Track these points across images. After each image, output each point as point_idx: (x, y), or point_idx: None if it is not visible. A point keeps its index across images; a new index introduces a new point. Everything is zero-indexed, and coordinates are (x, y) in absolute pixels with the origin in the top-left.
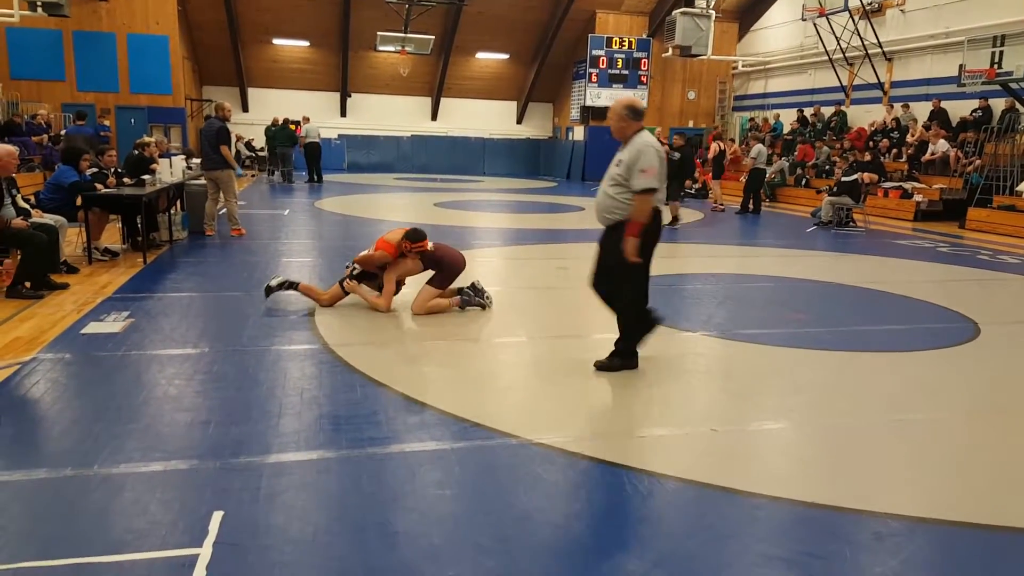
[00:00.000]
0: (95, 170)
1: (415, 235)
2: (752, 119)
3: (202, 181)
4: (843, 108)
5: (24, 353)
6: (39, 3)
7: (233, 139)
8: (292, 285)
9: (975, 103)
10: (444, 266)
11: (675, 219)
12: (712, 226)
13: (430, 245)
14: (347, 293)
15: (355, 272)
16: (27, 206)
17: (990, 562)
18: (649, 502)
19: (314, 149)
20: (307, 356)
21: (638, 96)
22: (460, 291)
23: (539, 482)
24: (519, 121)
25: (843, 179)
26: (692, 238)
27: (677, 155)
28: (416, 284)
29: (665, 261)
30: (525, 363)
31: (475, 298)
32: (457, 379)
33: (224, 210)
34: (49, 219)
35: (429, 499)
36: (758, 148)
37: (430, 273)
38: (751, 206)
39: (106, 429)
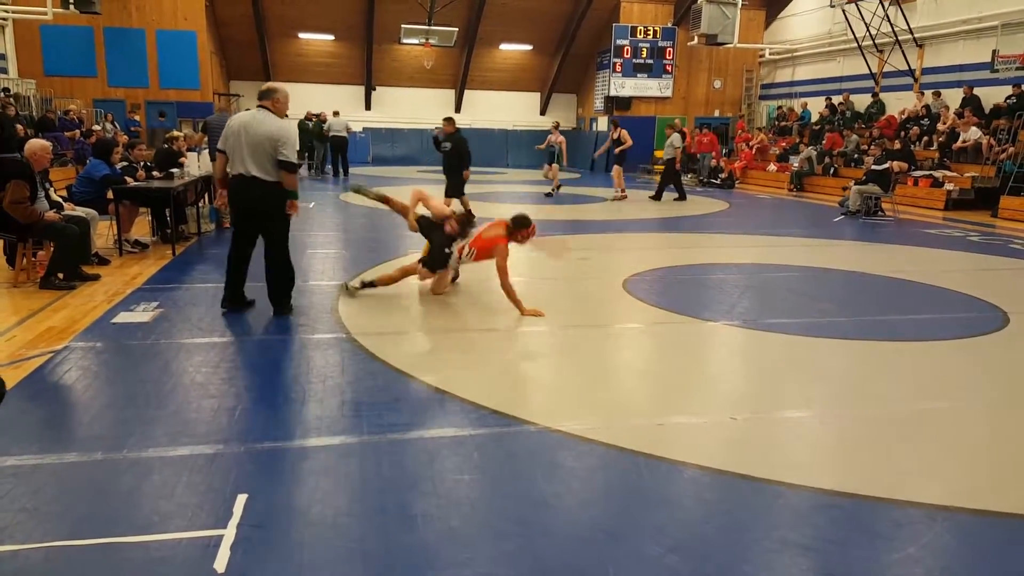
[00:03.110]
0: (125, 164)
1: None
2: (780, 107)
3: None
4: (879, 97)
5: (57, 342)
6: (71, 0)
7: None
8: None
9: (1008, 89)
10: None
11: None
12: (736, 216)
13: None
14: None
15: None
16: (60, 199)
17: (1009, 549)
18: (667, 489)
19: (341, 143)
20: (331, 345)
21: (662, 85)
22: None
23: (557, 468)
24: (543, 112)
25: (874, 167)
26: (717, 228)
27: (448, 145)
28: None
29: (688, 250)
30: (545, 352)
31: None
32: (477, 367)
33: None
34: (81, 212)
35: (448, 484)
36: (675, 137)
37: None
38: (664, 193)
39: (135, 415)
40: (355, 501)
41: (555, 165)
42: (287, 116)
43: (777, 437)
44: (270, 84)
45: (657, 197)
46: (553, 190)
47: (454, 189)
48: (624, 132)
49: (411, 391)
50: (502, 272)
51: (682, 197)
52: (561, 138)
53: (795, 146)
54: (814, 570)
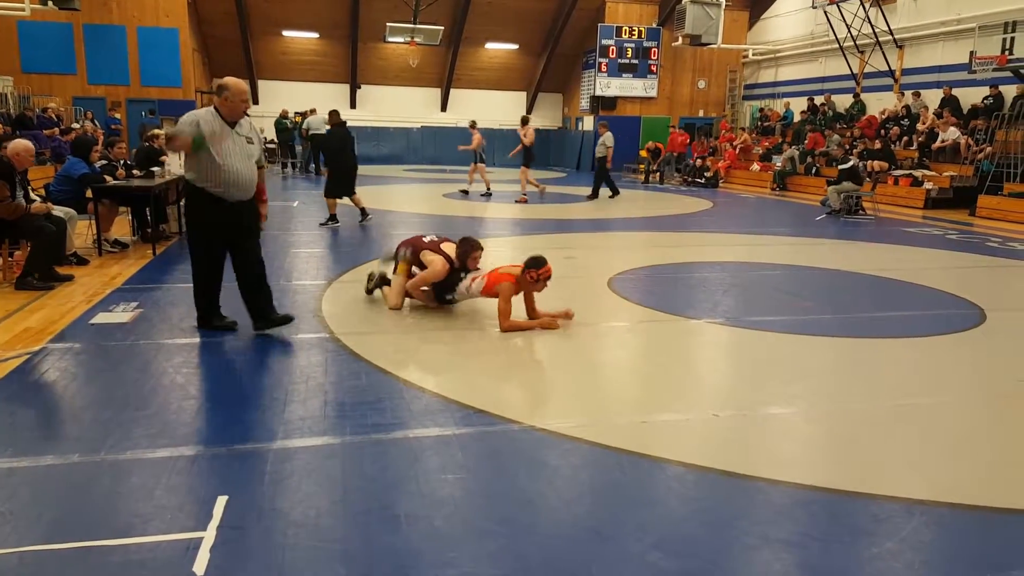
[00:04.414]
0: (105, 162)
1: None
2: (762, 108)
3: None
4: (861, 99)
5: (34, 343)
6: None
7: None
8: (385, 281)
9: (986, 90)
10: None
11: (332, 217)
12: (720, 215)
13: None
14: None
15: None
16: (37, 199)
17: (985, 542)
18: (650, 486)
19: (320, 141)
20: (313, 345)
21: (647, 85)
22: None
23: (541, 467)
24: (529, 112)
25: (840, 167)
26: (702, 226)
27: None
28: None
29: (673, 249)
30: (529, 351)
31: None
32: (462, 366)
33: None
34: (59, 211)
35: (432, 483)
36: (607, 136)
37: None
38: (599, 191)
39: (114, 416)
40: (337, 502)
41: (481, 164)
42: (247, 114)
43: (759, 434)
44: (221, 80)
45: (595, 194)
46: (484, 190)
47: (331, 188)
48: (530, 131)
49: (395, 391)
50: (502, 315)
51: (594, 195)
52: (477, 135)
53: (778, 146)
54: (795, 565)
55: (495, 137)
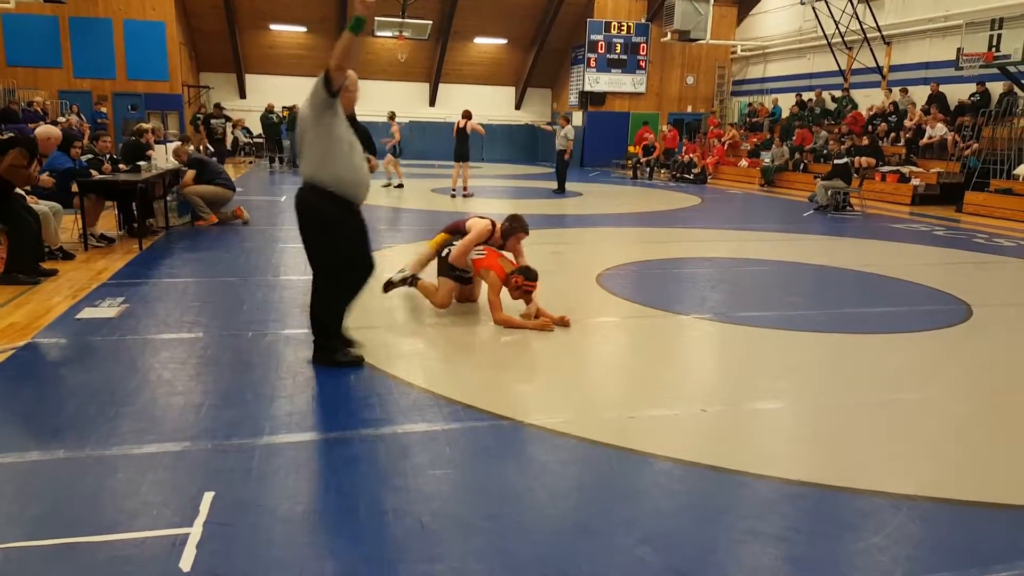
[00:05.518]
0: (90, 156)
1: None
2: (751, 104)
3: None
4: (848, 94)
5: (19, 338)
6: None
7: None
8: (413, 281)
9: (973, 87)
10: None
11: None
12: (708, 211)
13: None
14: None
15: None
16: (22, 192)
17: (970, 537)
18: (638, 481)
19: None
20: (301, 340)
21: (636, 81)
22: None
23: (529, 463)
24: (518, 107)
25: (836, 161)
26: (690, 222)
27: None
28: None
29: (661, 245)
30: (517, 347)
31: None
32: (449, 362)
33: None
34: (44, 205)
35: (420, 479)
36: (569, 129)
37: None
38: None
39: (100, 412)
40: (325, 497)
41: (396, 158)
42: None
43: (747, 429)
44: None
45: (560, 190)
46: (396, 183)
47: None
48: (463, 122)
49: (383, 386)
50: (493, 308)
51: (560, 190)
52: (395, 126)
53: (767, 142)
54: (782, 559)
55: (485, 132)
